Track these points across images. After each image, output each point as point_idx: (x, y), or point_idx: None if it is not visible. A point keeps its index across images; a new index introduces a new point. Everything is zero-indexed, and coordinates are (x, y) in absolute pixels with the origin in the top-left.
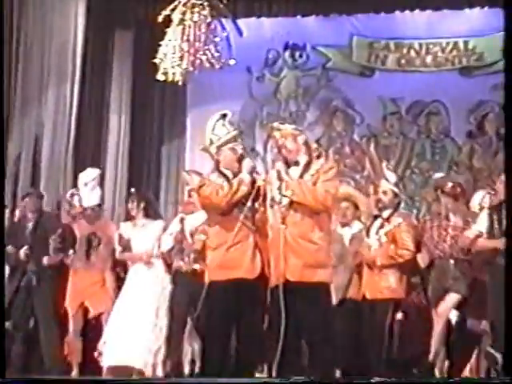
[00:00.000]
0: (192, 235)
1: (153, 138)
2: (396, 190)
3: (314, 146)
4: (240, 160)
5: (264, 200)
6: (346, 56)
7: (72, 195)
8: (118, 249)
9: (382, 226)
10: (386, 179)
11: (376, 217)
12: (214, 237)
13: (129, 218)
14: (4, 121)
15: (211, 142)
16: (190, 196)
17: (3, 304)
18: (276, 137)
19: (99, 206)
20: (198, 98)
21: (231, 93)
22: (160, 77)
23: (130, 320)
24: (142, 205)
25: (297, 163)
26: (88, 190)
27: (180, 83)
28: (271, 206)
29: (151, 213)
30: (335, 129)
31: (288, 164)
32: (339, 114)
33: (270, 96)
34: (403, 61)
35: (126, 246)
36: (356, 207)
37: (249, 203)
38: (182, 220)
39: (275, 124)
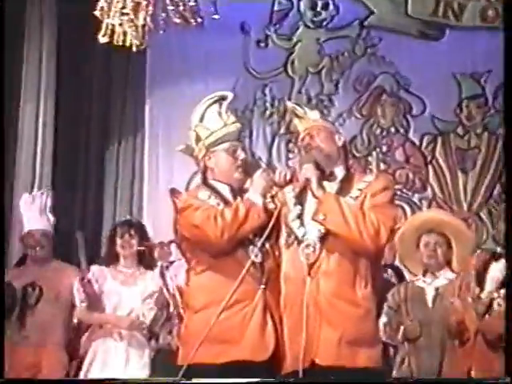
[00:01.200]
0: (181, 292)
1: (92, 137)
2: None
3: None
4: (244, 169)
5: (278, 236)
6: (399, 6)
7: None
8: (81, 305)
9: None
10: None
11: (495, 257)
12: (199, 291)
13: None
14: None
15: (198, 139)
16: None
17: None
18: (299, 128)
19: (45, 235)
20: (163, 72)
21: (216, 65)
22: (102, 39)
23: None
24: (134, 241)
25: (332, 176)
26: (27, 210)
27: (135, 49)
28: (288, 245)
29: (147, 258)
30: (380, 122)
31: (322, 174)
32: (387, 98)
33: (277, 70)
34: (490, 12)
35: (95, 303)
36: (448, 244)
37: (260, 241)
38: (162, 273)
39: (290, 105)
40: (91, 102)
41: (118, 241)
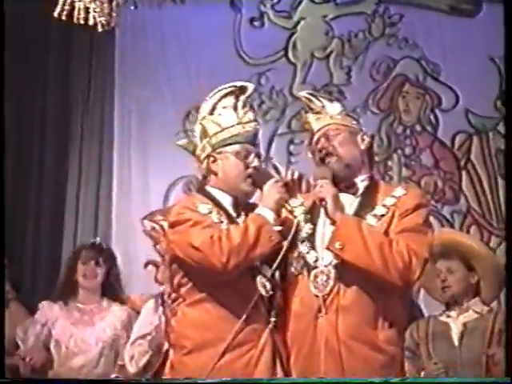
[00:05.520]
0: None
1: (48, 136)
2: None
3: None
4: (253, 179)
5: (287, 262)
6: None
7: None
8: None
9: None
10: None
11: None
12: (191, 328)
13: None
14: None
15: (204, 134)
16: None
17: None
18: (313, 127)
19: None
20: (135, 57)
21: (200, 49)
22: (59, 16)
23: None
24: (101, 271)
25: (352, 188)
26: None
27: (100, 29)
28: (297, 273)
29: (113, 287)
30: (402, 118)
31: (338, 187)
32: (410, 89)
33: (275, 55)
34: None
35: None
36: (470, 268)
37: (270, 269)
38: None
39: (304, 96)
40: (46, 93)
41: (81, 268)
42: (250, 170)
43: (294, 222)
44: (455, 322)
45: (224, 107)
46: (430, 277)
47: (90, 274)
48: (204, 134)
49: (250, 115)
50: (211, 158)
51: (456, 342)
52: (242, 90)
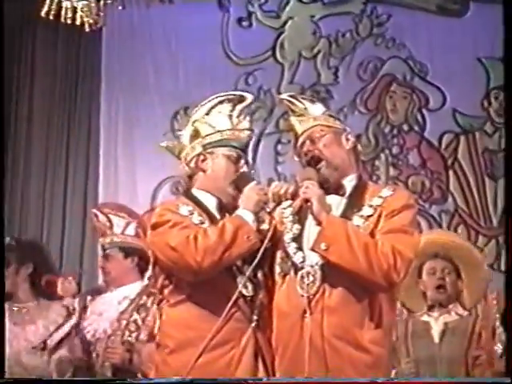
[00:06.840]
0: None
1: (34, 136)
2: None
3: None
4: (236, 182)
5: (273, 262)
6: None
7: None
8: None
9: None
10: None
11: None
12: (174, 327)
13: None
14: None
15: (196, 135)
16: (106, 258)
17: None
18: (296, 129)
19: None
20: (122, 57)
21: (188, 49)
22: (46, 15)
23: None
24: (28, 270)
25: (340, 190)
26: None
27: (87, 28)
28: (284, 274)
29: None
30: (389, 118)
31: (324, 188)
32: (397, 89)
33: (263, 55)
34: None
35: None
36: (457, 271)
37: (250, 270)
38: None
39: (285, 98)
40: (32, 92)
41: (5, 271)
42: (238, 174)
43: (272, 225)
44: (436, 322)
45: (219, 112)
46: (412, 281)
47: (7, 276)
48: (196, 135)
49: (246, 124)
50: (201, 157)
51: (436, 339)
52: (241, 99)
